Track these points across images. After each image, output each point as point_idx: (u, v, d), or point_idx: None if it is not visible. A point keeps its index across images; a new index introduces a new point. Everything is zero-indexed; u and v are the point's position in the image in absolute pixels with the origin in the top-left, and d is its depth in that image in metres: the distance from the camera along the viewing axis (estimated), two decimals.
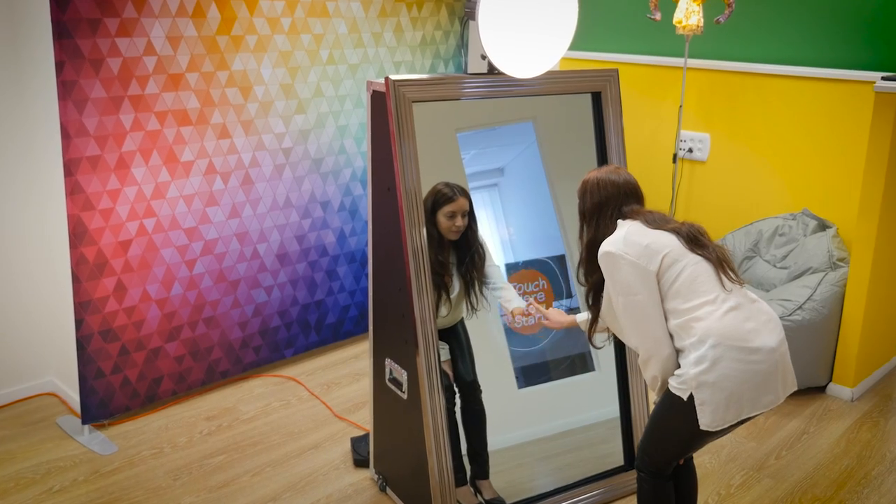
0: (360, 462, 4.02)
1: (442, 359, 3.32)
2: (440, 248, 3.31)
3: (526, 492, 3.59)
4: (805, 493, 3.86)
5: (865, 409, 4.61)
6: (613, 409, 3.81)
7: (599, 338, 3.19)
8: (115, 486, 3.84)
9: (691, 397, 2.76)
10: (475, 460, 3.50)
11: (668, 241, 2.87)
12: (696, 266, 2.83)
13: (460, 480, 3.45)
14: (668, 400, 2.85)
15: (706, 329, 2.76)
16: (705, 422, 2.76)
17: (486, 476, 3.51)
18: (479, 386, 3.50)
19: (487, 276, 3.46)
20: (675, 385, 2.80)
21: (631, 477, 3.80)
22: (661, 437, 2.95)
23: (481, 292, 3.43)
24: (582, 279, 3.07)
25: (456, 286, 3.38)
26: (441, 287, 3.33)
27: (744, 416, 2.80)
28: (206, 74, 4.27)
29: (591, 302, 3.08)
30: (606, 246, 2.88)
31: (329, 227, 5.01)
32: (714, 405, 2.74)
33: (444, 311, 3.39)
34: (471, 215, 3.39)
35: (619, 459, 3.83)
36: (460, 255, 3.39)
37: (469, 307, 3.43)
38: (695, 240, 2.90)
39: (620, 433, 3.82)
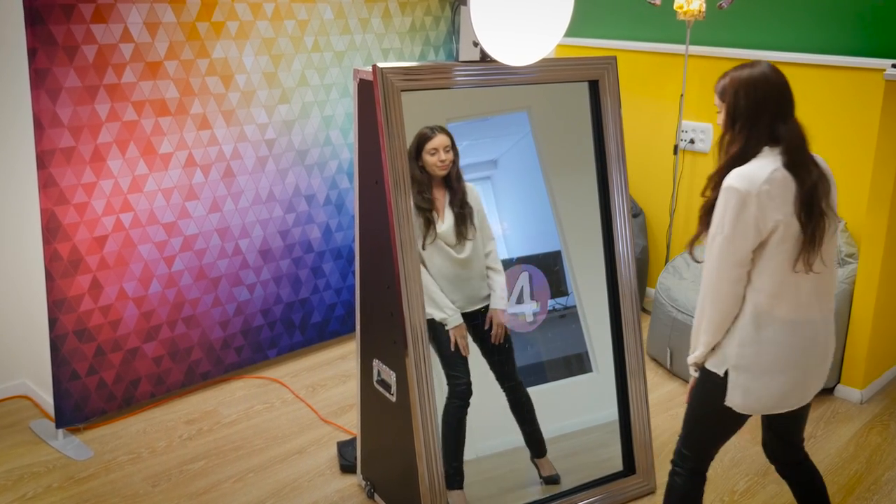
0: (347, 467, 4.02)
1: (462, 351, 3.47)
2: (427, 186, 3.38)
3: (520, 498, 3.59)
4: None
5: (875, 412, 4.62)
6: (612, 412, 3.82)
7: (699, 251, 3.05)
8: (90, 492, 3.84)
9: (727, 374, 2.85)
10: (530, 443, 3.64)
11: (790, 210, 2.80)
12: (791, 246, 2.81)
13: (454, 484, 3.47)
14: (703, 377, 2.95)
15: (762, 310, 2.82)
16: (736, 402, 2.86)
17: (542, 455, 3.66)
18: (517, 377, 3.59)
19: (485, 245, 3.54)
20: (713, 361, 2.89)
21: (631, 483, 3.81)
22: (696, 423, 3.04)
23: (472, 223, 3.48)
24: (708, 190, 2.93)
25: (448, 220, 3.42)
26: (429, 223, 3.39)
27: (777, 406, 2.91)
28: (185, 62, 4.26)
29: (702, 214, 2.96)
30: (740, 181, 2.77)
31: (314, 221, 5.01)
32: (747, 387, 2.84)
33: (450, 269, 3.44)
34: (455, 152, 3.44)
35: (617, 464, 3.84)
36: (452, 191, 3.45)
37: (460, 238, 3.44)
38: (810, 208, 2.81)
39: (619, 437, 3.83)
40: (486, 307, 3.53)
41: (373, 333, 3.57)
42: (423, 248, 3.37)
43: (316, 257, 5.07)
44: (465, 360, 3.49)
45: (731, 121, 2.86)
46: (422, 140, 3.37)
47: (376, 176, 3.30)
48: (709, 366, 2.91)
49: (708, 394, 2.95)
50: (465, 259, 3.46)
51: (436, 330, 3.41)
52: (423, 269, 3.36)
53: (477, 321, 3.51)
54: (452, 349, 3.44)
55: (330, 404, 4.63)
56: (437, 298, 3.40)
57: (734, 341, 2.85)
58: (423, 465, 3.31)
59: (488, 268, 3.54)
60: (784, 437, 3.20)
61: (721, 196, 2.80)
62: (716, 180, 2.87)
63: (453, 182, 3.45)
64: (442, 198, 3.44)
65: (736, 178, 2.76)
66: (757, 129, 2.81)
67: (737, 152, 2.83)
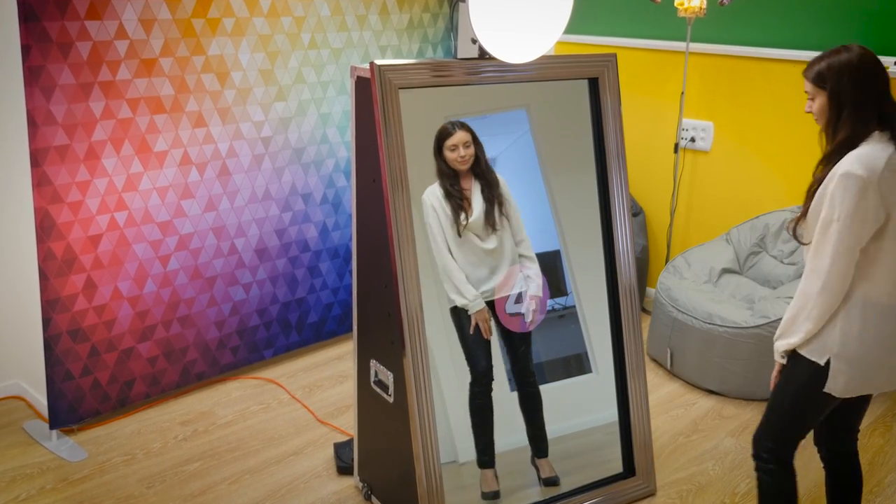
0: (344, 469, 4.03)
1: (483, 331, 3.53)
2: (455, 179, 3.46)
3: (518, 500, 3.60)
4: (814, 502, 3.88)
5: (877, 413, 4.63)
6: (612, 413, 3.82)
7: (806, 233, 3.04)
8: (84, 494, 3.85)
9: (828, 362, 2.89)
10: (533, 441, 3.67)
11: None
12: None
13: (484, 464, 3.56)
14: (797, 365, 2.98)
15: (870, 298, 2.86)
16: (838, 388, 2.90)
17: (543, 455, 3.68)
18: (533, 371, 3.63)
19: (516, 233, 3.61)
20: (812, 349, 2.92)
21: (631, 485, 3.81)
22: (785, 410, 3.06)
23: (503, 213, 3.55)
24: (818, 171, 2.94)
25: (477, 210, 3.48)
26: (460, 211, 3.46)
27: (877, 389, 2.98)
28: (180, 59, 4.26)
29: (810, 194, 2.96)
30: (860, 167, 2.77)
31: (311, 220, 5.01)
32: (851, 374, 2.88)
33: (480, 272, 3.49)
34: (478, 146, 3.50)
35: (617, 466, 3.84)
36: (482, 182, 3.52)
37: (488, 228, 3.49)
38: None
39: (619, 438, 3.84)
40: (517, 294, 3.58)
41: (370, 333, 3.58)
42: (459, 236, 3.45)
43: (312, 256, 5.07)
44: (485, 346, 3.53)
45: (838, 107, 2.87)
46: (441, 136, 3.43)
47: (373, 174, 3.31)
48: (806, 353, 2.92)
49: (804, 381, 2.96)
50: (493, 249, 3.50)
51: (459, 317, 3.47)
52: (448, 256, 3.43)
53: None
54: (472, 332, 3.49)
55: (326, 405, 4.64)
56: (459, 285, 3.45)
57: (836, 329, 2.87)
58: (421, 466, 3.31)
59: (521, 255, 3.60)
60: (843, 424, 3.23)
61: (838, 182, 2.79)
62: (825, 164, 2.89)
63: (483, 174, 3.51)
64: (471, 188, 3.49)
65: (856, 163, 2.77)
66: (865, 112, 2.83)
67: (846, 138, 2.84)
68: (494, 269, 3.53)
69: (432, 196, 3.40)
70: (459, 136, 3.44)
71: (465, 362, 3.49)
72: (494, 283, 3.52)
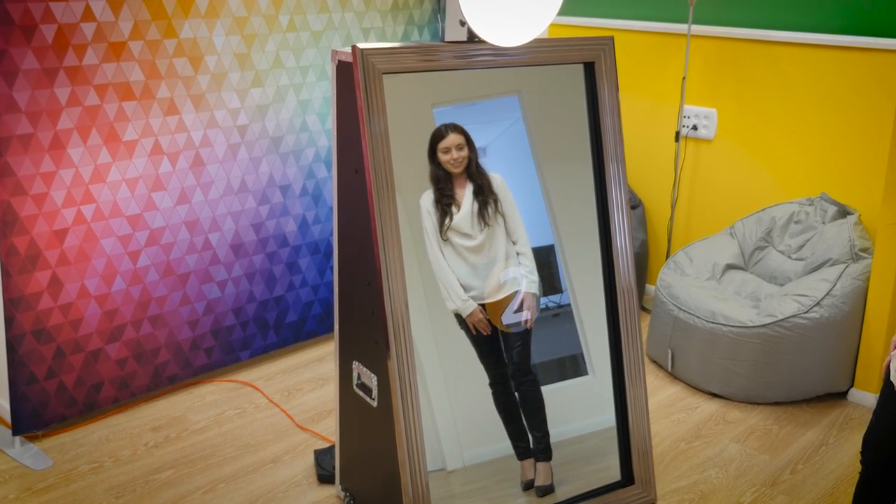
0: (325, 477, 4.03)
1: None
2: (447, 182, 3.50)
3: None
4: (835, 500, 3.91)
5: None
6: (609, 418, 3.83)
7: None
8: None
9: None
10: (536, 445, 3.70)
11: None
12: None
13: (521, 455, 3.63)
14: None
15: None
16: None
17: (542, 459, 3.71)
18: (531, 370, 3.65)
19: (513, 231, 3.64)
20: None
21: (629, 494, 3.82)
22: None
23: (497, 211, 3.59)
24: None
25: (465, 209, 3.52)
26: (445, 215, 3.51)
27: None
28: (151, 43, 4.26)
29: None
30: None
31: (290, 213, 5.01)
32: None
33: (470, 272, 3.54)
34: (471, 147, 3.53)
35: (615, 474, 3.85)
36: (475, 184, 3.56)
37: (476, 226, 3.52)
38: None
39: (617, 445, 3.84)
40: (512, 294, 3.58)
41: (352, 334, 3.58)
42: (443, 239, 3.48)
43: (291, 252, 5.07)
44: (492, 345, 3.56)
45: None
46: (435, 139, 3.46)
47: (356, 164, 3.31)
48: None
49: None
50: (477, 246, 3.51)
51: (463, 321, 3.52)
52: (442, 259, 3.46)
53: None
54: (474, 333, 3.53)
55: (306, 410, 4.64)
56: (449, 289, 3.48)
57: None
58: (407, 474, 3.32)
59: (519, 253, 3.62)
60: None
61: None
62: None
63: (474, 175, 3.54)
64: (463, 191, 3.52)
65: None
66: None
67: None
68: (486, 268, 3.53)
69: (427, 200, 3.43)
70: (452, 139, 3.47)
71: (453, 364, 3.50)
72: (486, 283, 3.53)
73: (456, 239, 3.49)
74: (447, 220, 3.46)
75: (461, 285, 3.49)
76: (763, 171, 5.46)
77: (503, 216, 3.57)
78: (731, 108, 5.55)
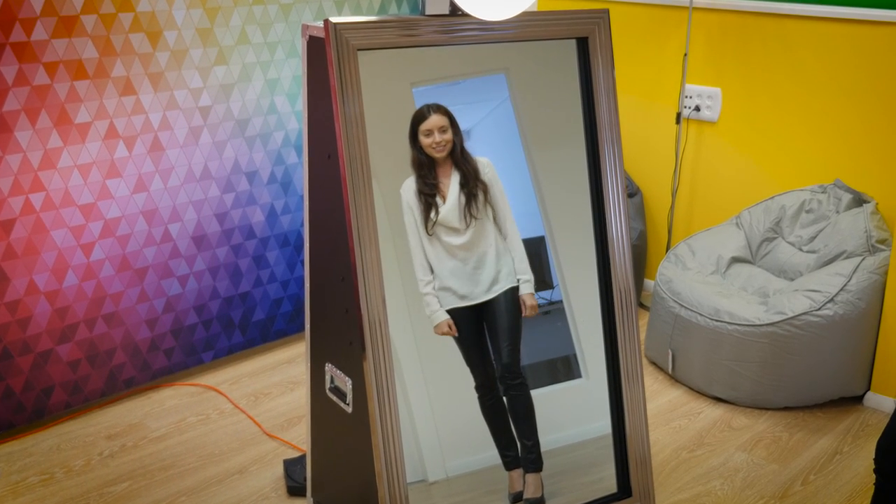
0: (295, 489, 4.03)
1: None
2: (430, 169, 3.49)
3: None
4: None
5: None
6: (605, 425, 3.83)
7: None
8: None
9: None
10: (525, 455, 3.70)
11: None
12: None
13: (509, 466, 3.62)
14: None
15: None
16: None
17: (532, 470, 3.71)
18: (520, 372, 3.65)
19: (503, 223, 3.63)
20: None
21: None
22: None
23: (487, 201, 3.58)
24: None
25: (451, 201, 3.50)
26: (429, 208, 3.50)
27: None
28: (105, 17, 4.25)
29: None
30: None
31: (256, 202, 5.01)
32: None
33: (458, 270, 3.52)
34: (455, 131, 3.53)
35: (611, 485, 3.86)
36: (461, 171, 3.55)
37: (464, 219, 3.51)
38: None
39: (613, 454, 3.85)
40: (504, 292, 3.59)
41: (325, 333, 3.58)
42: (429, 234, 3.47)
43: (258, 244, 5.07)
44: (475, 348, 3.57)
45: None
46: (416, 121, 3.45)
47: (329, 149, 3.30)
48: None
49: None
50: (466, 243, 3.51)
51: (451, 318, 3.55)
52: (422, 260, 3.47)
53: (492, 308, 3.55)
54: (456, 339, 3.54)
55: (275, 416, 4.64)
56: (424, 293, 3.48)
57: None
58: (384, 486, 3.32)
59: (510, 247, 3.62)
60: None
61: None
62: None
63: (459, 162, 3.53)
64: (448, 179, 3.51)
65: None
66: None
67: None
68: (475, 265, 3.53)
69: (409, 192, 3.42)
70: (434, 121, 3.45)
71: (434, 366, 3.50)
72: (475, 281, 3.53)
73: (443, 236, 3.49)
74: (433, 214, 3.46)
75: (444, 287, 3.49)
76: (771, 156, 5.47)
77: (493, 207, 3.57)
78: (737, 87, 5.56)
